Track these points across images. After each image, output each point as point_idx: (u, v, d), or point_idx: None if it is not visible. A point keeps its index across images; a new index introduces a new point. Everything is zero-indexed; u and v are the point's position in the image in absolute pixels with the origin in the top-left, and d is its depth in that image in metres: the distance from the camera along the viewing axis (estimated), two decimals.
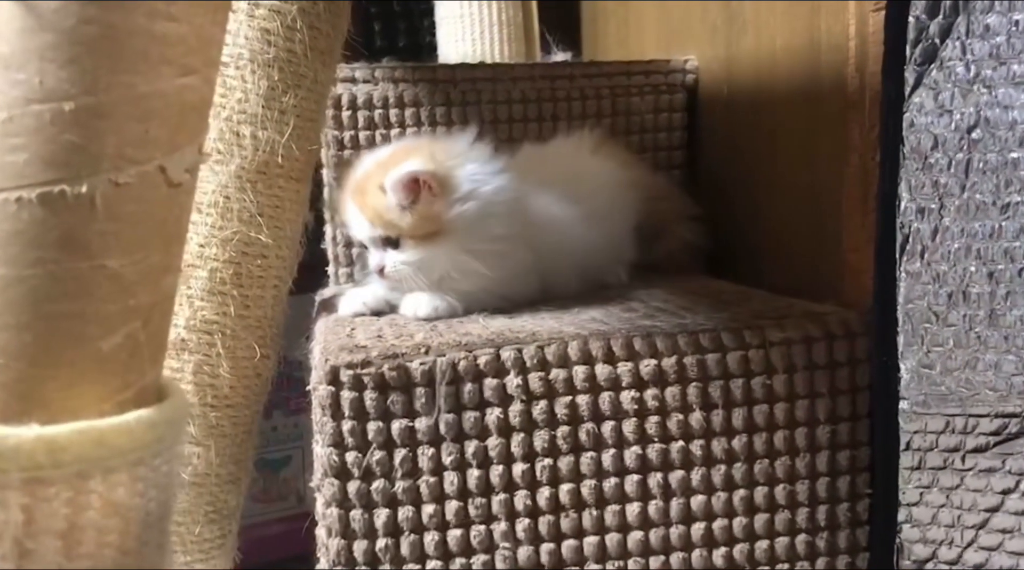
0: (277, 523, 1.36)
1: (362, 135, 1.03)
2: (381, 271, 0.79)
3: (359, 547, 0.66)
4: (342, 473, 0.66)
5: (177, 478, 0.46)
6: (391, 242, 0.78)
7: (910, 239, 0.62)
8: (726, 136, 1.05)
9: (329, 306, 0.87)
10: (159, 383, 0.46)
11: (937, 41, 0.60)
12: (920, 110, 0.61)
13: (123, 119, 0.40)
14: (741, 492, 0.72)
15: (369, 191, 0.77)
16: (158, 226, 0.43)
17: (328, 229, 1.04)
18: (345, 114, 1.02)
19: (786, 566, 0.73)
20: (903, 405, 0.64)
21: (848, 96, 0.75)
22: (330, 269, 1.06)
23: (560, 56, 1.35)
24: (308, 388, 0.68)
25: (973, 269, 0.62)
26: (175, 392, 0.46)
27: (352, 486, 0.66)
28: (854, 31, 0.74)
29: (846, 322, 0.73)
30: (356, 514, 0.66)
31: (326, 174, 1.01)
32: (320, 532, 0.68)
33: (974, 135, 0.61)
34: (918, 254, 0.62)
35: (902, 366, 0.64)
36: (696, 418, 0.71)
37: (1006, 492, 0.63)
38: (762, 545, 0.73)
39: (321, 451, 0.66)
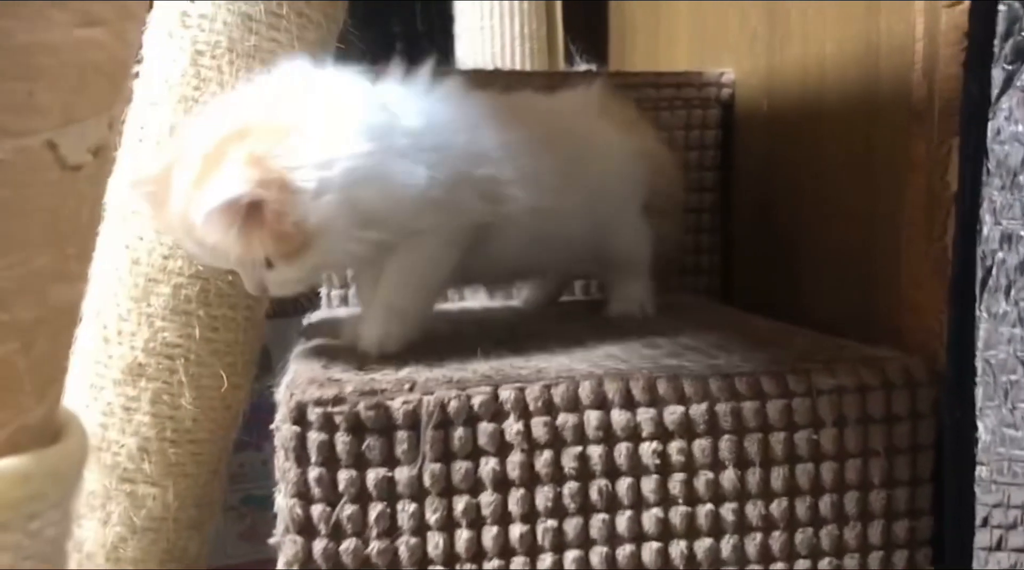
0: (267, 564, 1.26)
1: None
2: (264, 292, 0.63)
3: None
4: (306, 529, 0.56)
5: (66, 544, 0.36)
6: (261, 262, 0.61)
7: (993, 272, 0.51)
8: (765, 155, 0.95)
9: (313, 332, 0.77)
10: (50, 422, 0.36)
11: None
12: (1009, 117, 0.51)
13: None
14: (779, 566, 0.61)
15: (195, 222, 0.58)
16: (47, 220, 0.33)
17: None
18: None
19: None
20: (981, 472, 0.53)
21: (913, 106, 0.65)
22: (322, 290, 0.97)
23: (584, 68, 1.26)
24: (272, 428, 0.58)
25: None
26: (74, 433, 0.36)
27: (318, 545, 0.56)
28: (922, 30, 0.64)
29: (908, 369, 0.62)
30: None
31: None
32: None
33: None
34: (1003, 290, 0.52)
35: (980, 425, 0.53)
36: (728, 477, 0.60)
37: None
38: None
39: (283, 502, 0.56)
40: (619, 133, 0.82)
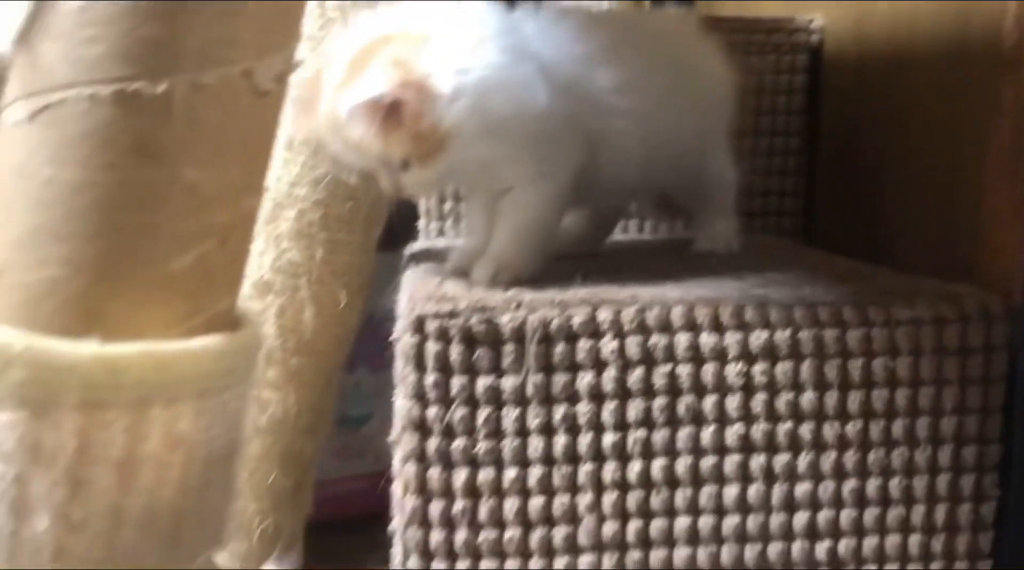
0: (354, 480, 1.34)
1: None
2: (399, 192, 0.70)
3: (435, 507, 0.63)
4: (422, 428, 0.62)
5: (247, 417, 0.42)
6: (397, 163, 0.67)
7: None
8: (851, 101, 0.97)
9: (419, 258, 0.83)
10: (234, 313, 0.42)
11: None
12: None
13: (208, 14, 0.36)
14: (852, 482, 0.66)
15: (338, 122, 0.65)
16: (241, 138, 0.39)
17: None
18: None
19: (896, 566, 0.67)
20: None
21: (1003, 54, 0.67)
22: (421, 223, 1.03)
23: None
24: (392, 339, 0.64)
25: None
26: (251, 324, 0.43)
27: (431, 443, 0.62)
28: None
29: (985, 304, 0.65)
30: (434, 472, 0.62)
31: None
32: (395, 489, 0.64)
33: None
34: None
35: None
36: (808, 398, 0.64)
37: None
38: (871, 541, 0.66)
39: (402, 404, 0.63)
40: (717, 59, 0.85)
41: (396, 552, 0.64)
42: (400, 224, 0.94)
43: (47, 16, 0.36)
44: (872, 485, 0.66)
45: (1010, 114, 0.66)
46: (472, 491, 0.63)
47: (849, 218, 0.97)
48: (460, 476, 0.63)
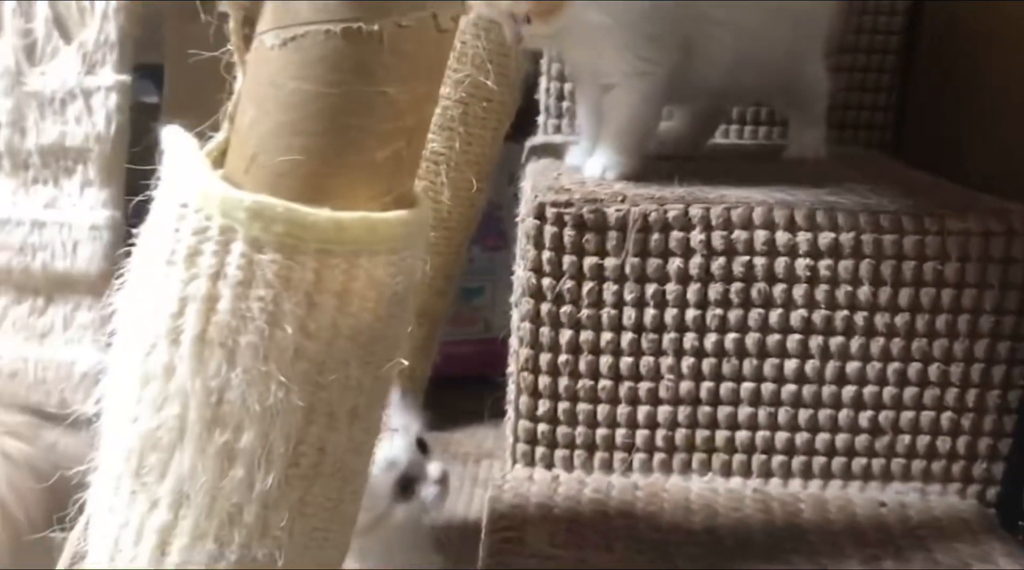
0: (466, 344, 1.50)
1: None
2: (519, 42, 0.81)
3: (544, 359, 0.78)
4: (537, 295, 0.77)
5: (417, 272, 0.57)
6: (522, 17, 0.78)
7: None
8: (948, 31, 1.04)
9: (539, 152, 0.96)
10: (412, 193, 0.56)
11: None
12: None
13: None
14: (896, 365, 0.77)
15: None
16: (427, 62, 0.52)
17: (543, 81, 1.12)
18: None
19: (928, 438, 0.79)
20: None
21: None
22: (540, 119, 1.15)
23: None
24: (517, 220, 0.78)
25: None
26: (422, 203, 0.57)
27: (544, 307, 0.77)
28: None
29: None
30: (544, 331, 0.77)
31: None
32: (513, 341, 0.79)
33: None
34: None
35: None
36: (864, 291, 0.76)
37: None
38: (908, 415, 0.78)
39: (522, 274, 0.77)
40: None
41: (510, 390, 0.80)
42: (521, 119, 1.06)
43: None
44: (913, 369, 0.78)
45: None
46: (575, 348, 0.78)
47: (935, 134, 1.05)
48: (565, 336, 0.77)
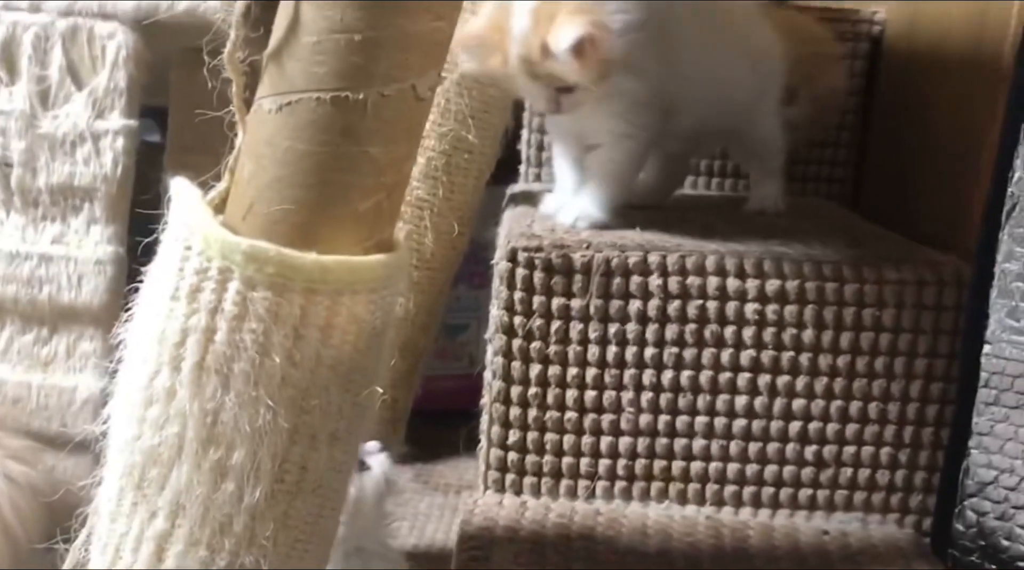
0: (451, 379, 1.55)
1: None
2: (556, 109, 0.85)
3: (515, 391, 0.84)
4: (510, 332, 0.83)
5: (395, 309, 0.64)
6: (570, 87, 0.83)
7: (1016, 207, 0.71)
8: (900, 88, 1.12)
9: (517, 199, 1.04)
10: (392, 239, 0.63)
11: None
12: None
13: (392, 49, 0.56)
14: (838, 402, 0.84)
15: (533, 57, 0.81)
16: (406, 127, 0.59)
17: (524, 133, 1.19)
18: None
19: (868, 472, 0.85)
20: (986, 349, 0.74)
21: (1002, 71, 0.83)
22: (522, 168, 1.22)
23: None
24: (492, 264, 0.85)
25: None
26: (401, 247, 0.64)
27: (516, 343, 0.83)
28: (1015, 10, 0.80)
29: (958, 272, 0.82)
30: (516, 365, 0.84)
31: None
32: (487, 375, 0.86)
33: None
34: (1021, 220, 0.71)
35: (991, 316, 0.74)
36: (808, 334, 0.83)
37: None
38: (849, 450, 0.85)
39: (495, 312, 0.84)
40: (774, 38, 1.00)
41: (483, 421, 0.86)
42: (504, 165, 1.14)
43: (291, 45, 0.57)
44: (854, 406, 0.84)
45: (1000, 123, 0.81)
46: (543, 382, 0.84)
47: (889, 189, 1.13)
48: (535, 370, 0.84)
